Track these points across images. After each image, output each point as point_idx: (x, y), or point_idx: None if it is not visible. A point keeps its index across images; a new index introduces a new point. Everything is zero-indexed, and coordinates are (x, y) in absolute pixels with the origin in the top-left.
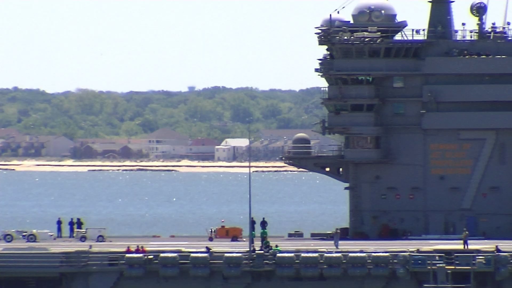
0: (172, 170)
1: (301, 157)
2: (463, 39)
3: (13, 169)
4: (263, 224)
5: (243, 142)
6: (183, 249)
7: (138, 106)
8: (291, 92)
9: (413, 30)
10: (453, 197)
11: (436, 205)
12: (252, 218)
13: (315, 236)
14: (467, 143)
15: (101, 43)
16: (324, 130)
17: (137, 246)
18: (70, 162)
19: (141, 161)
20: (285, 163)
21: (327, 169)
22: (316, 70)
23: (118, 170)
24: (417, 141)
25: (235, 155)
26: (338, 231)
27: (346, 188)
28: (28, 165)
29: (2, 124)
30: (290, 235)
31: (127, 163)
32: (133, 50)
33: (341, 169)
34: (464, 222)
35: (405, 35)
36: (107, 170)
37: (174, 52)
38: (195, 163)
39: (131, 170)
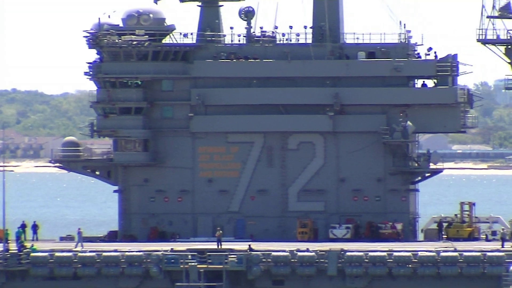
0: None
1: (70, 160)
2: (231, 43)
3: (12, 171)
4: (34, 227)
5: None
6: None
7: None
8: None
9: (180, 33)
10: (222, 200)
11: (205, 208)
12: (24, 221)
13: (87, 239)
14: (235, 146)
15: None
16: (93, 133)
17: None
18: None
19: None
20: (55, 166)
21: (97, 172)
22: (85, 73)
23: None
24: (186, 144)
25: None
26: (81, 230)
27: (115, 191)
28: (27, 166)
29: (1, 126)
30: (61, 238)
31: None
32: None
33: (111, 172)
34: (232, 225)
35: (175, 38)
36: None
37: None
38: None
39: None
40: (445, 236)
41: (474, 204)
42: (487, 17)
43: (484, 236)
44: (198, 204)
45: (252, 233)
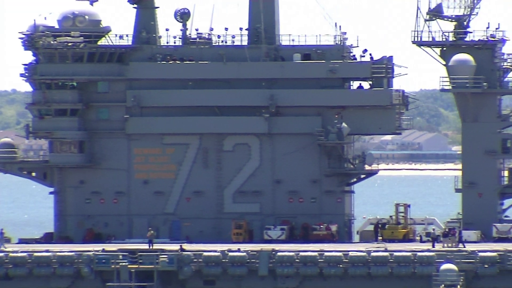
0: None
1: (5, 162)
2: (167, 44)
3: None
4: None
5: None
6: None
7: None
8: None
9: (116, 35)
10: (157, 201)
11: (140, 209)
12: None
13: (23, 241)
14: (171, 147)
15: None
16: (28, 135)
17: None
18: None
19: None
20: None
21: (33, 173)
22: (21, 75)
23: None
24: (121, 145)
25: None
26: (4, 231)
27: (50, 193)
28: None
29: (1, 127)
30: None
31: None
32: None
33: (47, 174)
34: (168, 226)
35: (111, 40)
36: None
37: None
38: None
39: None
40: (381, 237)
41: (409, 205)
42: (424, 19)
43: (419, 238)
44: (133, 206)
45: (188, 234)
